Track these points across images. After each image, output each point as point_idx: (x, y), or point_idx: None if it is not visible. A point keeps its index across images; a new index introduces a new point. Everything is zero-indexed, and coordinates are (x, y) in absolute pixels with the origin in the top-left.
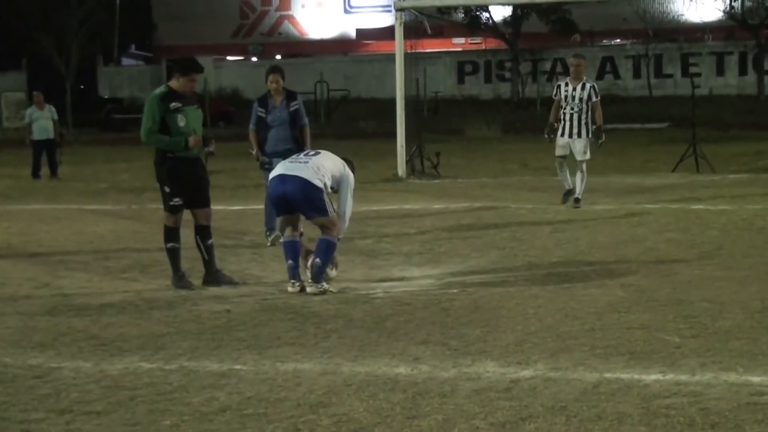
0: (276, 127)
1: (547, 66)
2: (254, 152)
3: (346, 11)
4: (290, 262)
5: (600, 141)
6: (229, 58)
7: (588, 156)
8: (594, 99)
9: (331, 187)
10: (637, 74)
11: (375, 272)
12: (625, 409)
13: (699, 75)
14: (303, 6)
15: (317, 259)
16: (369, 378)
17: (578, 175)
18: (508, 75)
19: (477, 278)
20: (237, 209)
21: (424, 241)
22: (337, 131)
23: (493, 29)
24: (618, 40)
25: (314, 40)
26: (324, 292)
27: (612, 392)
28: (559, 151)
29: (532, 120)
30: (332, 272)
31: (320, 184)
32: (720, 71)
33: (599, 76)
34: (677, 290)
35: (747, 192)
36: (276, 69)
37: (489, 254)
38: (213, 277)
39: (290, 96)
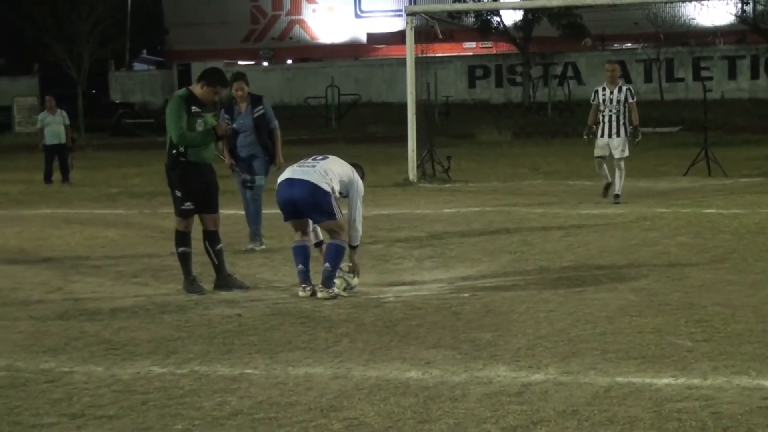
0: (242, 134)
1: (558, 70)
2: (226, 160)
3: (357, 16)
4: (300, 266)
5: (636, 140)
6: (240, 62)
7: (626, 154)
8: (630, 100)
9: (340, 192)
10: (648, 78)
11: (386, 276)
12: (636, 413)
13: (711, 79)
14: (314, 10)
15: (326, 264)
16: (380, 382)
17: (617, 173)
18: (519, 79)
19: (488, 282)
20: None
21: (435, 245)
22: (347, 135)
23: (504, 33)
24: (629, 44)
25: (325, 45)
26: (335, 297)
27: (623, 396)
28: (598, 152)
29: (543, 124)
30: (354, 280)
31: (328, 189)
32: (732, 75)
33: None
34: (689, 294)
35: (759, 196)
36: (240, 76)
37: (500, 258)
38: (224, 281)
39: (255, 101)
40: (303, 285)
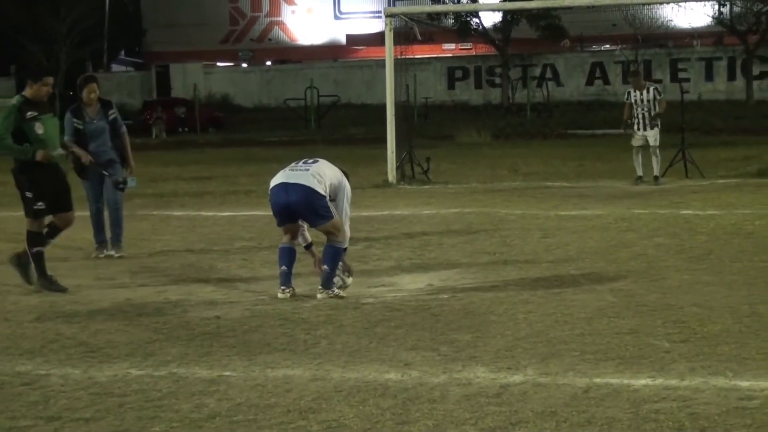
0: (96, 138)
1: (537, 71)
2: (83, 158)
3: (336, 17)
4: (284, 268)
5: (654, 123)
6: (219, 64)
7: (659, 142)
8: (659, 97)
9: (330, 196)
10: (626, 80)
11: (365, 278)
12: (614, 414)
13: (688, 80)
14: (293, 12)
15: (325, 266)
16: (359, 384)
17: (654, 159)
18: (498, 80)
19: (467, 284)
20: (227, 215)
21: (414, 247)
22: (327, 137)
23: (483, 35)
24: (607, 46)
25: (304, 46)
26: (337, 297)
27: (602, 397)
28: (636, 142)
29: (522, 126)
30: (348, 279)
31: (323, 192)
32: (709, 76)
33: (588, 82)
34: (666, 295)
35: (735, 197)
36: (92, 78)
37: (479, 260)
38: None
39: (106, 105)
40: (283, 287)
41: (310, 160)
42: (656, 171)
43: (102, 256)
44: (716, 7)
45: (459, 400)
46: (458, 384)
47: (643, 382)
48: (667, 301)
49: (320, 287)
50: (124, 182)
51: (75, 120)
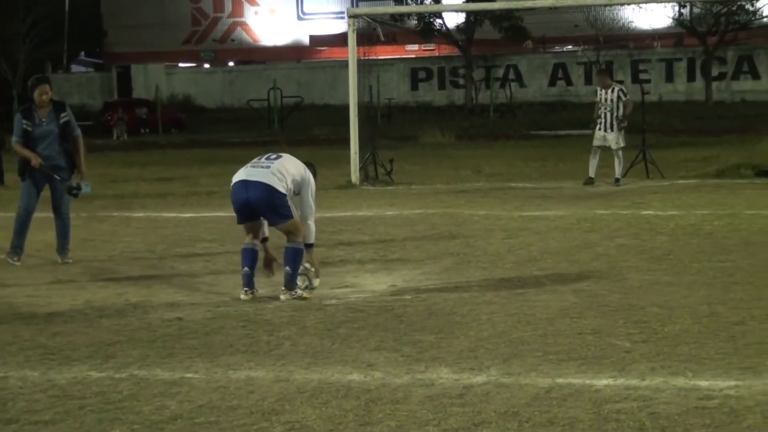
0: (46, 141)
1: (500, 72)
2: (33, 161)
3: (299, 18)
4: (246, 269)
5: (622, 125)
6: (181, 65)
7: (622, 144)
8: (624, 99)
9: (293, 192)
10: (588, 81)
11: (328, 279)
12: (576, 414)
13: (649, 81)
14: (256, 13)
15: (287, 268)
16: (322, 385)
17: (616, 161)
18: (461, 81)
19: (430, 284)
20: (189, 216)
21: (377, 248)
22: (290, 138)
23: (446, 36)
24: (570, 47)
25: (267, 47)
26: (301, 298)
27: (564, 397)
28: (595, 142)
29: (486, 126)
30: (315, 281)
31: (284, 190)
32: (669, 77)
33: (551, 83)
34: (628, 295)
35: (695, 197)
36: (43, 80)
37: (442, 260)
38: None
39: (58, 107)
40: (245, 288)
41: (273, 156)
42: (617, 173)
43: (15, 262)
44: (676, 8)
45: (422, 401)
46: (421, 385)
47: (604, 382)
48: (628, 302)
49: (283, 288)
50: (78, 188)
51: (25, 121)
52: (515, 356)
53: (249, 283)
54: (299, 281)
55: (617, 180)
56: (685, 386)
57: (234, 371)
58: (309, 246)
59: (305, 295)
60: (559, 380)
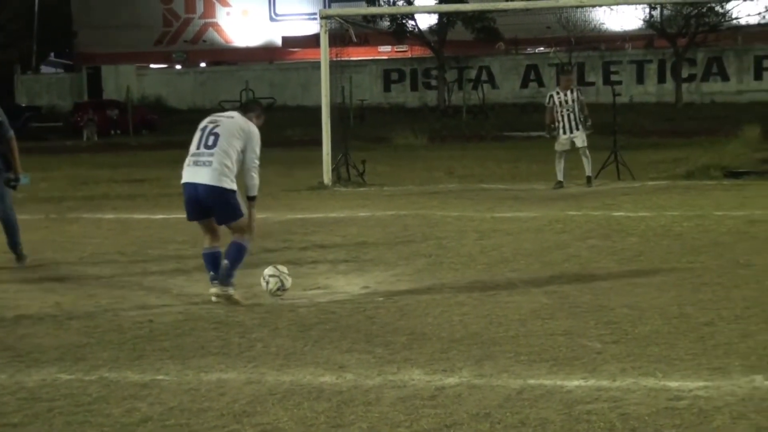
0: None
1: (473, 74)
2: None
3: (271, 19)
4: (212, 273)
5: (588, 124)
6: (152, 66)
7: (587, 143)
8: (581, 98)
9: (240, 154)
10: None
11: (300, 280)
12: (547, 415)
13: (620, 83)
14: (228, 14)
15: (225, 261)
16: (294, 387)
17: (584, 160)
18: (434, 83)
19: (403, 286)
20: (161, 218)
21: (349, 249)
22: (262, 139)
23: (418, 37)
24: (542, 48)
25: (240, 48)
26: (228, 297)
27: (535, 398)
28: (560, 147)
29: (458, 128)
30: (288, 282)
31: (231, 185)
32: (640, 79)
33: (523, 84)
34: (599, 296)
35: (665, 199)
36: None
37: (415, 262)
38: None
39: None
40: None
41: (212, 137)
42: (588, 172)
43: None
44: (647, 10)
45: (394, 403)
46: (393, 386)
47: (575, 383)
48: (599, 303)
49: (216, 281)
50: (17, 179)
51: None
52: (487, 357)
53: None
54: (272, 283)
55: (589, 179)
56: (655, 387)
57: (205, 373)
58: (252, 198)
59: (235, 296)
60: (531, 381)
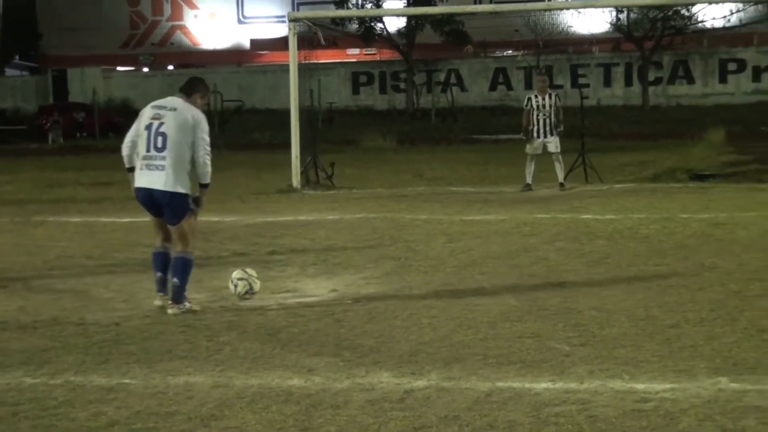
0: None
1: (441, 77)
2: None
3: (239, 21)
4: (159, 274)
5: (560, 130)
6: (119, 68)
7: (560, 149)
8: (558, 104)
9: (191, 145)
10: (528, 85)
11: (269, 284)
12: (516, 417)
13: (587, 86)
14: (196, 16)
15: (175, 279)
16: (262, 390)
17: (557, 165)
18: (402, 86)
19: (371, 289)
20: (127, 221)
21: (318, 252)
22: (231, 142)
23: (387, 40)
24: (510, 51)
25: (207, 51)
26: (190, 311)
27: (504, 401)
28: (532, 150)
29: (427, 131)
30: (257, 285)
31: (185, 189)
32: (607, 82)
33: (492, 87)
34: (567, 299)
35: (632, 201)
36: None
37: (383, 265)
38: None
39: None
40: (160, 293)
41: (160, 135)
42: (560, 177)
43: None
44: (614, 13)
45: (362, 406)
46: (362, 389)
47: (543, 385)
48: (567, 305)
49: (170, 302)
50: None
51: None
52: (456, 360)
53: (162, 288)
54: (240, 286)
55: (562, 184)
56: (623, 389)
57: (172, 377)
58: (204, 186)
59: (195, 308)
60: (500, 384)
